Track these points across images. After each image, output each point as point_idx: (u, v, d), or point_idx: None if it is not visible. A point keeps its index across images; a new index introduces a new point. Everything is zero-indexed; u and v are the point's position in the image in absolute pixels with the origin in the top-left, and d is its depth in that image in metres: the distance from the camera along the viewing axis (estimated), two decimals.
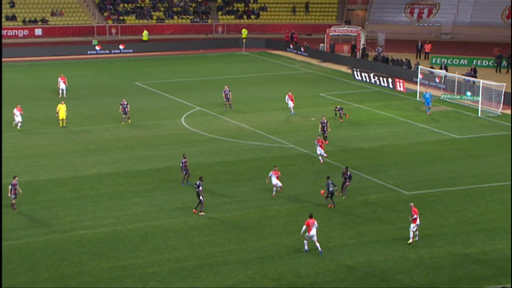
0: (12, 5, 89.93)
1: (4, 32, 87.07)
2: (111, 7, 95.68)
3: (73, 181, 42.45)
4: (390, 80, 69.89)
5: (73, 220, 37.06)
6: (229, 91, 59.84)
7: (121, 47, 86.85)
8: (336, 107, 57.25)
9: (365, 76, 72.90)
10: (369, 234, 35.75)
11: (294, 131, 53.64)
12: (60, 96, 60.86)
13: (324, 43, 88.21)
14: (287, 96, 58.44)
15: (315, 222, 33.21)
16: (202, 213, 37.90)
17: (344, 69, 79.58)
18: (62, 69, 76.36)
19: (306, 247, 33.51)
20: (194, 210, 38.20)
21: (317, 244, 33.21)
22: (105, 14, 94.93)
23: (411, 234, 34.36)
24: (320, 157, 45.98)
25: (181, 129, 54.29)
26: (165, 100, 63.21)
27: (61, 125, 53.12)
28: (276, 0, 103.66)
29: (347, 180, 40.09)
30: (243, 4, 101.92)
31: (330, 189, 38.73)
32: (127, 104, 55.11)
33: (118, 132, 52.95)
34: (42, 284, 30.54)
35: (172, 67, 79.99)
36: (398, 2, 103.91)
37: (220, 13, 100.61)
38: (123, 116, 55.04)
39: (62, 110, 53.09)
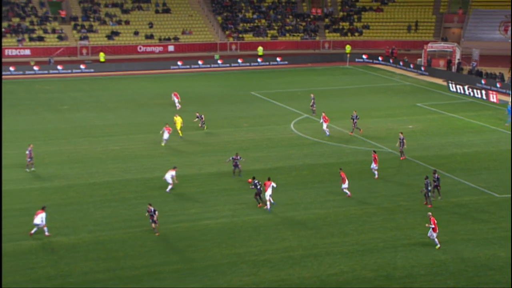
0: (151, 26, 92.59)
1: (142, 48, 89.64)
2: (232, 26, 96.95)
3: (197, 177, 43.13)
4: (483, 92, 67.68)
5: (197, 212, 37.66)
6: (314, 98, 60.33)
7: (239, 61, 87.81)
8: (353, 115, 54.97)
9: (459, 88, 70.93)
10: (462, 232, 34.72)
11: (392, 137, 52.72)
12: (177, 108, 60.83)
13: (421, 57, 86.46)
14: (322, 118, 53.79)
15: (272, 184, 37.37)
16: (261, 205, 38.07)
17: (439, 81, 77.68)
18: (189, 79, 78.00)
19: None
20: (259, 205, 38.16)
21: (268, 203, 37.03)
22: (227, 32, 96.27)
23: (436, 240, 32.82)
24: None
25: (290, 134, 54.30)
26: (277, 107, 63.43)
27: (180, 134, 52.47)
28: (378, 20, 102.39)
29: (437, 183, 38.97)
30: (348, 23, 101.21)
31: (429, 188, 37.91)
32: (202, 116, 54.99)
33: (235, 135, 53.45)
34: (174, 265, 31.23)
35: (284, 78, 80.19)
36: (492, 21, 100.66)
37: (327, 31, 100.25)
38: (197, 120, 55.13)
39: (178, 122, 52.84)
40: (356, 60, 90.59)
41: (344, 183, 39.81)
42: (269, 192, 37.73)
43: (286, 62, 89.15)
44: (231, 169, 43.50)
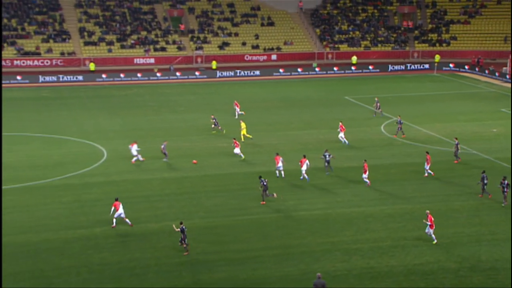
0: (257, 37, 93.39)
1: (249, 57, 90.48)
2: (329, 37, 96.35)
3: (295, 172, 43.16)
4: None
5: (294, 203, 37.69)
6: (378, 102, 59.53)
7: (335, 68, 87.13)
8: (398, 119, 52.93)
9: None
10: None
11: (477, 140, 50.89)
12: (236, 117, 58.60)
13: (507, 66, 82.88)
14: (339, 128, 51.05)
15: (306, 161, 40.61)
16: (274, 195, 37.96)
17: None
18: (289, 85, 78.07)
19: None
20: (262, 202, 37.45)
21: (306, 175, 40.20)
22: (324, 43, 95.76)
23: (433, 236, 31.50)
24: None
25: (380, 135, 53.39)
26: (368, 111, 62.50)
27: (242, 139, 50.56)
28: (465, 31, 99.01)
29: (505, 188, 36.86)
30: (436, 34, 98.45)
31: (485, 182, 36.40)
32: (215, 118, 53.64)
33: (329, 135, 52.97)
34: (273, 250, 31.41)
35: (375, 85, 78.91)
36: None
37: (416, 42, 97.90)
38: (214, 127, 53.21)
39: (243, 127, 51.39)
40: (444, 68, 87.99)
41: (365, 173, 40.01)
42: (304, 168, 40.93)
43: (378, 70, 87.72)
44: (324, 166, 43.20)
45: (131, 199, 37.94)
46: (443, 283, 28.11)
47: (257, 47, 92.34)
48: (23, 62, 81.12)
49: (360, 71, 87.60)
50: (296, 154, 47.21)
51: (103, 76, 78.89)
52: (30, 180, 40.87)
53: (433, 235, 31.82)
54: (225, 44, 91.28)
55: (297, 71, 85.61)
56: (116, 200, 34.32)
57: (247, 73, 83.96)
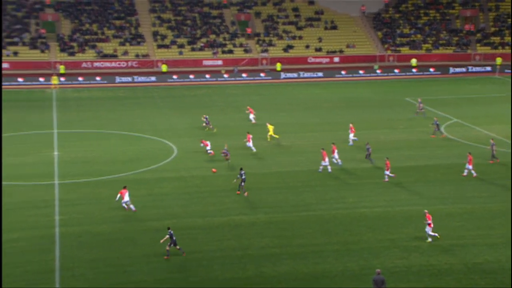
0: (320, 40, 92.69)
1: (312, 59, 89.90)
2: (390, 40, 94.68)
3: (355, 171, 42.63)
4: None
5: (354, 201, 37.23)
6: (420, 102, 58.90)
7: (396, 71, 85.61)
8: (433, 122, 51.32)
9: None
10: None
11: None
12: (253, 122, 57.13)
13: None
14: (349, 129, 50.05)
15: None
16: (246, 194, 37.95)
17: None
18: (351, 86, 77.15)
19: None
20: (237, 191, 38.14)
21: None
22: (385, 46, 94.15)
23: (431, 234, 30.92)
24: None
25: (440, 136, 52.02)
26: (429, 112, 60.98)
27: (269, 139, 50.25)
28: None
29: None
30: (499, 37, 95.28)
31: None
32: (207, 117, 54.28)
33: (390, 136, 52.08)
34: (333, 246, 31.17)
35: (436, 87, 77.02)
36: None
37: (478, 44, 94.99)
38: (205, 125, 53.87)
39: (270, 128, 50.94)
40: (505, 71, 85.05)
41: (387, 170, 40.02)
42: (336, 155, 42.42)
43: (439, 73, 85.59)
44: (381, 165, 42.40)
45: (199, 193, 38.35)
46: (504, 282, 27.14)
47: (320, 50, 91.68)
48: (102, 64, 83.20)
49: (421, 73, 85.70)
50: (357, 153, 46.63)
51: (174, 77, 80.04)
52: (107, 174, 41.86)
53: (430, 234, 31.07)
54: (290, 47, 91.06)
55: (359, 73, 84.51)
56: (124, 188, 35.07)
57: (310, 74, 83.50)
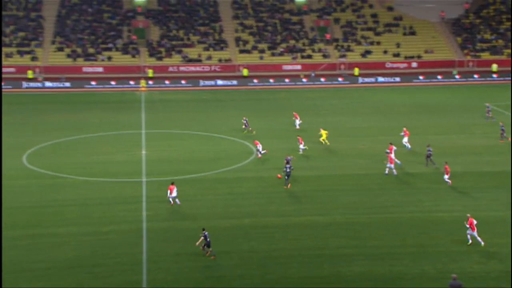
0: (398, 46, 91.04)
1: (390, 64, 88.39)
2: (470, 46, 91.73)
3: (428, 175, 41.55)
4: None
5: (430, 205, 36.38)
6: (489, 107, 57.62)
7: (475, 76, 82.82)
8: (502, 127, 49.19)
9: None
10: None
11: None
12: (297, 128, 55.90)
13: None
14: (403, 132, 48.42)
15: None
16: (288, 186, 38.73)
17: None
18: (428, 91, 75.26)
19: None
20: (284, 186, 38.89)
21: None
22: (465, 51, 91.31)
23: (469, 237, 29.96)
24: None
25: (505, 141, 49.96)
26: (508, 117, 58.52)
27: (327, 143, 49.45)
28: None
29: None
30: None
31: None
32: (246, 120, 54.09)
33: (468, 140, 50.40)
34: (409, 248, 30.61)
35: None
36: None
37: None
38: (244, 127, 53.71)
39: (323, 134, 49.94)
40: None
41: (447, 174, 39.17)
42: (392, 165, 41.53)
43: (483, 79, 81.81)
44: (462, 170, 41.20)
45: (277, 194, 38.53)
46: None
47: (398, 55, 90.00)
48: (187, 68, 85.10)
49: (502, 78, 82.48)
50: (438, 157, 45.52)
51: (255, 81, 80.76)
52: (190, 173, 42.77)
53: (471, 237, 30.18)
54: (367, 52, 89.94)
55: (437, 78, 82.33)
56: (172, 184, 36.16)
57: (388, 79, 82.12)
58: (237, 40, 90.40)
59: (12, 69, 79.92)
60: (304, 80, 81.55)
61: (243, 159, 46.09)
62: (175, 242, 31.55)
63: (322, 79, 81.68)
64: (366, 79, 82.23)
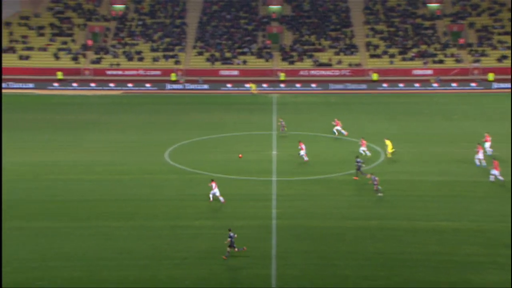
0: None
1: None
2: None
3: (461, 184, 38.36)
4: None
5: None
6: None
7: None
8: None
9: None
10: None
11: None
12: (336, 135, 53.49)
13: None
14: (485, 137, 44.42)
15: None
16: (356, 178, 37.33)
17: None
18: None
19: None
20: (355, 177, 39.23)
21: None
22: None
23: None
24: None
25: None
26: None
27: (389, 155, 46.33)
28: None
29: None
30: None
31: None
32: (282, 121, 53.82)
33: None
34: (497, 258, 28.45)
35: None
36: None
37: None
38: (282, 130, 53.30)
39: (389, 145, 46.70)
40: None
41: (495, 169, 38.56)
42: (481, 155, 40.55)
43: None
44: None
45: (404, 197, 37.52)
46: None
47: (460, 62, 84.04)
48: (318, 72, 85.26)
49: None
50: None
51: (384, 85, 79.14)
52: (319, 174, 42.80)
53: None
54: (504, 57, 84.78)
55: None
56: (212, 180, 36.64)
57: None
58: (368, 45, 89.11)
59: (158, 72, 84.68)
60: (434, 85, 78.61)
61: (371, 162, 45.33)
62: (303, 239, 31.74)
63: (454, 84, 78.30)
64: (502, 85, 77.54)
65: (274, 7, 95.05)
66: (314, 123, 59.49)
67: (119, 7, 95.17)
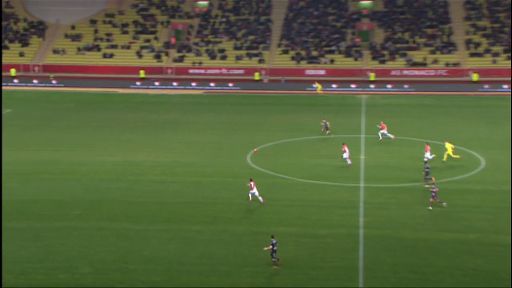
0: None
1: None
2: None
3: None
4: None
5: None
6: None
7: None
8: None
9: None
10: None
11: None
12: (380, 139, 52.04)
13: None
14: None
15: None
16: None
17: None
18: None
19: None
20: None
21: None
22: None
23: None
24: None
25: None
26: None
27: (445, 159, 45.23)
28: None
29: None
30: None
31: None
32: (326, 122, 54.41)
33: None
34: None
35: None
36: None
37: None
38: (324, 130, 54.22)
39: (449, 148, 45.15)
40: None
41: None
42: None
43: None
44: None
45: (508, 209, 35.91)
46: None
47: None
48: (411, 72, 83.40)
49: None
50: None
51: (485, 86, 76.32)
52: (410, 181, 41.88)
53: None
54: None
55: None
56: (251, 180, 37.34)
57: None
58: (468, 42, 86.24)
59: (241, 71, 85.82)
60: None
61: (469, 170, 43.83)
62: (393, 251, 31.14)
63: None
64: None
65: (365, 3, 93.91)
66: (406, 127, 58.26)
67: (203, 3, 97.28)
